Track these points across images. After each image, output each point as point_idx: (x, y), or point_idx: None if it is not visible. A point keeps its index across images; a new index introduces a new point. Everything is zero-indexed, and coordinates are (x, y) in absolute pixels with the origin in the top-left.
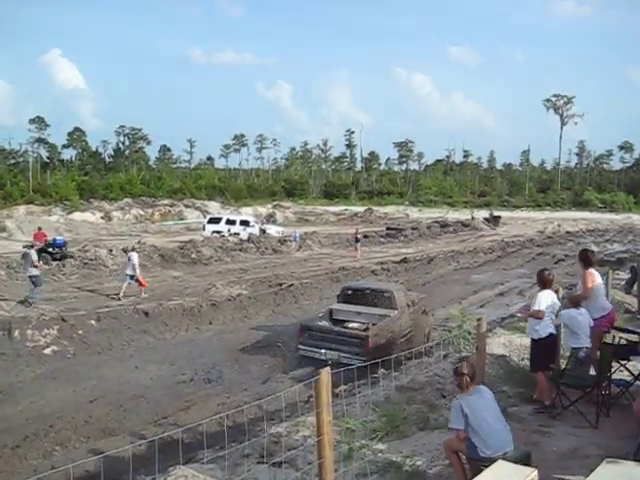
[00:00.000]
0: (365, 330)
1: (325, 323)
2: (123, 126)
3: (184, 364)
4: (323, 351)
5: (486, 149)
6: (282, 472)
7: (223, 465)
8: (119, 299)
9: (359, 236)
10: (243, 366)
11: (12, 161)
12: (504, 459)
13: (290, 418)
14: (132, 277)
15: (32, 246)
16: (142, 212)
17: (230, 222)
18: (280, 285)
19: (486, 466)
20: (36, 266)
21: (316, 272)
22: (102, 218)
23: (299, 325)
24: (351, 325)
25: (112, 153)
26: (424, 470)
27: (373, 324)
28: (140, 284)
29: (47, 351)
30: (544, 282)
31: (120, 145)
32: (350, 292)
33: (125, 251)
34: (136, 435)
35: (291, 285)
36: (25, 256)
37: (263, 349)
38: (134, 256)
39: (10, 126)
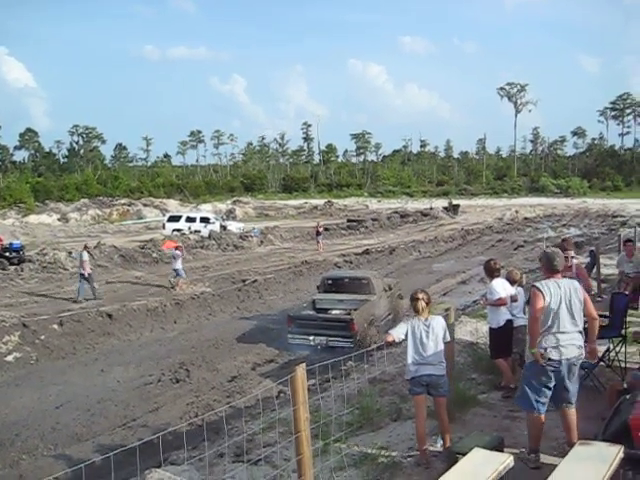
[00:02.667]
0: (348, 314)
1: (310, 312)
2: (77, 125)
3: (151, 365)
4: (312, 337)
5: (442, 138)
6: (259, 470)
7: (199, 466)
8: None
9: (320, 229)
10: (210, 364)
11: None
12: (427, 385)
13: (263, 414)
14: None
15: None
16: (100, 212)
17: (190, 219)
18: (243, 281)
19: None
20: None
21: (279, 267)
22: (59, 220)
23: (287, 316)
24: (335, 312)
25: (66, 153)
26: (399, 461)
27: (355, 309)
28: None
29: (9, 358)
30: (492, 271)
31: (74, 145)
32: (330, 282)
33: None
34: (106, 440)
35: (255, 281)
36: None
37: (229, 346)
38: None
39: None
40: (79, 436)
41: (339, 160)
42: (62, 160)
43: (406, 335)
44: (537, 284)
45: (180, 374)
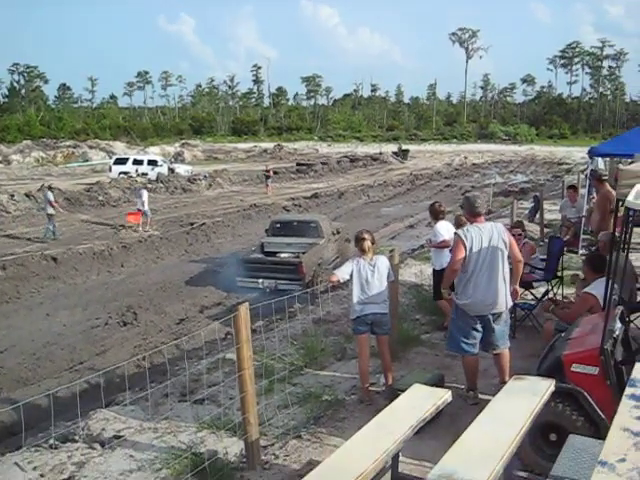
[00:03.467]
0: (297, 257)
1: (259, 255)
2: (17, 64)
3: (97, 308)
4: (260, 281)
5: (394, 83)
6: (204, 409)
7: (144, 406)
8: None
9: (269, 173)
10: (158, 307)
11: None
12: (371, 324)
13: (209, 355)
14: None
15: None
16: (44, 155)
17: (137, 162)
18: (192, 225)
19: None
20: None
21: (227, 210)
22: (0, 162)
23: (236, 259)
24: (283, 255)
25: (6, 93)
26: (343, 398)
27: (303, 252)
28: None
29: None
30: (436, 214)
31: (15, 84)
32: (279, 225)
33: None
34: (52, 383)
35: (203, 224)
36: None
37: (177, 289)
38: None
39: None
40: (25, 380)
41: (289, 104)
42: (2, 100)
43: (351, 275)
44: (459, 231)
45: (127, 317)
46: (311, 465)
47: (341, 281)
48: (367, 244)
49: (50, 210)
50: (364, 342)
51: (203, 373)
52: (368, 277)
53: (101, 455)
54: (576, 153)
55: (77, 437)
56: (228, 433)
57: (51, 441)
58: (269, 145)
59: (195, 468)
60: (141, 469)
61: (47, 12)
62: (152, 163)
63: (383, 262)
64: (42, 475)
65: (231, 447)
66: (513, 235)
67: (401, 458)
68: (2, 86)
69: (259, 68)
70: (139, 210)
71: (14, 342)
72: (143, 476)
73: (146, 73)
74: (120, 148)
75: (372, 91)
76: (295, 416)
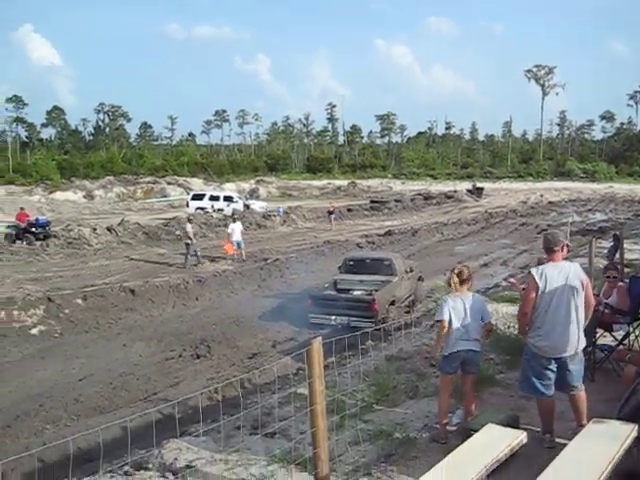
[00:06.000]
0: (370, 295)
1: (332, 292)
2: (102, 104)
3: (172, 340)
4: (333, 317)
5: (468, 121)
6: (275, 442)
7: (216, 437)
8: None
9: (333, 209)
10: (231, 341)
11: None
12: (462, 362)
13: (281, 390)
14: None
15: (16, 226)
16: (124, 190)
17: (214, 198)
18: (265, 260)
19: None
20: None
21: (301, 246)
22: (84, 197)
23: (308, 295)
24: (356, 292)
25: (92, 131)
26: (414, 437)
27: (376, 290)
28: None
29: (34, 331)
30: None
31: (100, 123)
32: (352, 262)
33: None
34: (127, 412)
35: (276, 260)
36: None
37: (250, 324)
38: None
39: None
40: (101, 408)
41: (364, 141)
42: (88, 138)
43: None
44: (532, 269)
45: (201, 350)
46: None
47: (447, 321)
48: (453, 280)
49: (187, 240)
50: (450, 381)
51: (275, 407)
52: (462, 313)
53: None
54: None
55: (150, 465)
56: (298, 468)
57: (126, 468)
58: (343, 182)
59: None
60: None
61: (131, 54)
62: (228, 199)
63: (478, 300)
64: None
65: None
66: (608, 277)
67: None
68: (89, 125)
69: (334, 106)
70: (230, 241)
71: (92, 371)
72: None
73: (223, 111)
74: (197, 184)
75: (446, 129)
76: (366, 453)
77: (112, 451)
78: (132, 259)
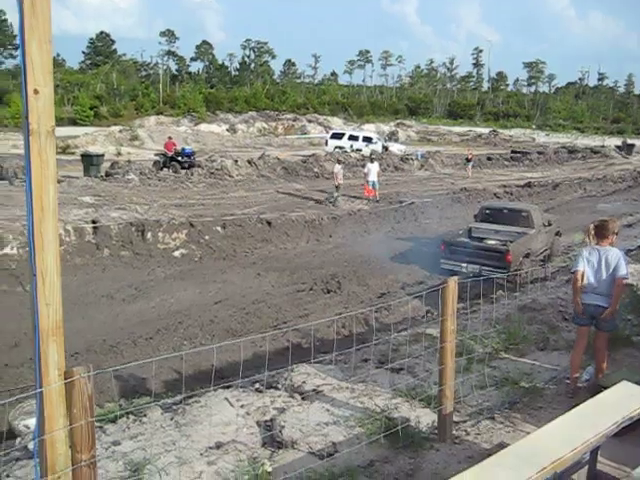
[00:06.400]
0: (505, 245)
1: (466, 240)
2: (249, 40)
3: (304, 274)
4: (464, 265)
5: (624, 73)
6: (401, 377)
7: (343, 367)
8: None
9: (470, 157)
10: (361, 279)
11: (143, 73)
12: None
13: (408, 329)
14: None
15: (164, 154)
16: (266, 125)
17: (353, 138)
18: (400, 202)
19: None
20: None
21: (437, 192)
22: (227, 130)
23: (442, 241)
24: (490, 242)
25: (238, 66)
26: (541, 387)
27: (511, 241)
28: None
29: (176, 254)
30: None
31: (246, 59)
32: (488, 211)
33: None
34: (258, 337)
35: (412, 203)
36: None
37: (381, 264)
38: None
39: (142, 39)
40: (234, 331)
41: (509, 89)
42: (233, 73)
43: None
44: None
45: (331, 285)
46: (502, 447)
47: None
48: (590, 233)
49: (337, 181)
50: (584, 334)
51: (402, 344)
52: (596, 266)
53: (300, 405)
54: None
55: (280, 386)
56: (422, 404)
57: (257, 385)
58: (484, 130)
59: (387, 431)
60: (336, 423)
61: None
62: (367, 140)
63: (616, 254)
64: (248, 413)
65: (423, 417)
66: None
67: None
68: (235, 60)
69: (480, 51)
70: (366, 181)
71: (227, 296)
72: (337, 430)
73: (367, 52)
74: (337, 123)
75: (599, 80)
76: (490, 398)
77: (243, 371)
78: (279, 192)
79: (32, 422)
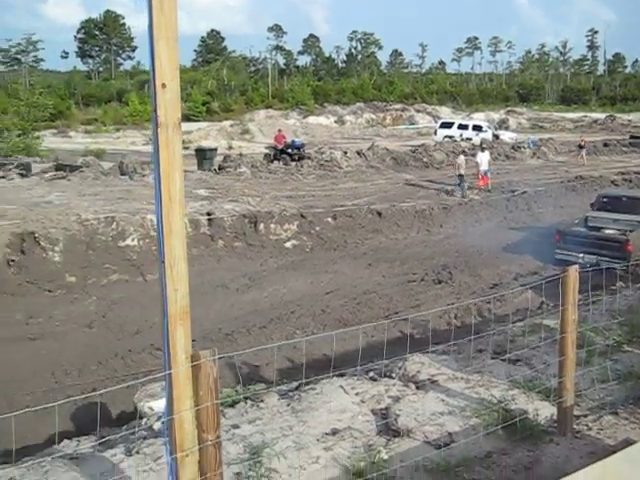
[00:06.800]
0: (624, 234)
1: (582, 229)
2: (355, 31)
3: (414, 264)
4: (581, 255)
5: None
6: (517, 369)
7: (457, 357)
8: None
9: (583, 143)
10: (473, 270)
11: (252, 68)
12: None
13: (524, 320)
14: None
15: (274, 147)
16: (374, 116)
17: (462, 127)
18: (513, 192)
19: None
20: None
21: (550, 180)
22: (335, 122)
23: (556, 230)
24: (608, 231)
25: (344, 58)
26: None
27: (631, 230)
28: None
29: (288, 244)
30: None
31: (352, 50)
32: (606, 200)
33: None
34: (369, 328)
35: (524, 192)
36: None
37: (493, 254)
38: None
39: (250, 35)
40: (345, 321)
41: (627, 71)
42: (340, 65)
43: None
44: None
45: (442, 276)
46: (627, 443)
47: None
48: None
49: (461, 171)
50: None
51: (518, 335)
52: None
53: (415, 394)
54: None
55: (394, 375)
56: (540, 396)
57: (371, 374)
58: (600, 115)
59: (505, 422)
60: (451, 413)
61: None
62: (477, 128)
63: None
64: (363, 401)
65: (542, 410)
66: None
67: None
68: (341, 52)
69: (595, 33)
70: (478, 170)
71: (339, 286)
72: (453, 420)
73: (475, 39)
74: (446, 113)
75: None
76: (612, 392)
77: (353, 360)
78: (411, 184)
79: (156, 404)
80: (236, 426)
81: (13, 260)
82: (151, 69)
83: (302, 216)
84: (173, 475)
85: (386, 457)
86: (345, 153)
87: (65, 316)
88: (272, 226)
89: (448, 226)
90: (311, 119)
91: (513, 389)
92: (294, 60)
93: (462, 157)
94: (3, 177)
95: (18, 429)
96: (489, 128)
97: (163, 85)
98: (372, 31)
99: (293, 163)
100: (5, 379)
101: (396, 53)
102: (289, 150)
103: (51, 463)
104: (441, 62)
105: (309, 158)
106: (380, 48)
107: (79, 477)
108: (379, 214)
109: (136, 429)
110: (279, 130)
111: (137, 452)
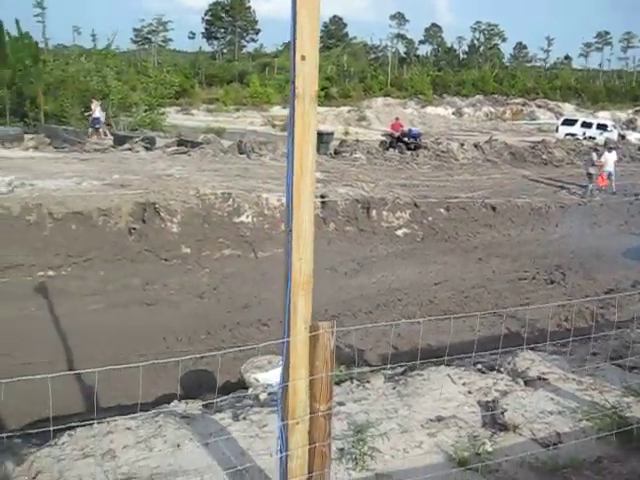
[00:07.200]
0: None
1: None
2: (479, 22)
3: (527, 262)
4: None
5: None
6: (634, 376)
7: (569, 358)
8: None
9: None
10: (587, 273)
11: (373, 56)
12: None
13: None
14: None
15: (390, 134)
16: (493, 110)
17: (586, 125)
18: (636, 195)
19: None
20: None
21: None
22: (453, 114)
23: None
24: None
25: (466, 49)
26: None
27: None
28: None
29: (399, 232)
30: None
31: (475, 41)
32: None
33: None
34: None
35: None
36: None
37: (611, 259)
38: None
39: (372, 22)
40: (452, 313)
41: None
42: (462, 56)
43: None
44: None
45: (555, 276)
46: None
47: None
48: None
49: (592, 170)
50: None
51: (637, 342)
52: None
53: (523, 390)
54: None
55: (502, 369)
56: None
57: (479, 366)
58: None
59: (619, 428)
60: (561, 414)
61: None
62: (601, 127)
63: None
64: (469, 392)
65: None
66: None
67: None
68: (464, 43)
69: None
70: (602, 171)
71: (447, 278)
72: (562, 421)
73: (606, 33)
74: (569, 110)
75: None
76: None
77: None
78: (531, 180)
79: (262, 376)
80: (342, 403)
81: (134, 228)
82: (292, 41)
83: (415, 205)
84: (283, 441)
85: (490, 449)
86: (462, 145)
87: (179, 285)
88: (384, 213)
89: (564, 226)
90: (429, 109)
91: (628, 396)
92: (415, 49)
93: (595, 154)
94: (130, 149)
95: (130, 388)
96: (614, 127)
97: (302, 57)
98: (496, 22)
99: (409, 152)
100: (121, 340)
101: (520, 46)
102: (405, 139)
103: (163, 419)
104: (567, 57)
105: (425, 148)
106: (504, 40)
107: (189, 434)
108: (493, 208)
109: (243, 396)
110: (396, 118)
111: (244, 418)
